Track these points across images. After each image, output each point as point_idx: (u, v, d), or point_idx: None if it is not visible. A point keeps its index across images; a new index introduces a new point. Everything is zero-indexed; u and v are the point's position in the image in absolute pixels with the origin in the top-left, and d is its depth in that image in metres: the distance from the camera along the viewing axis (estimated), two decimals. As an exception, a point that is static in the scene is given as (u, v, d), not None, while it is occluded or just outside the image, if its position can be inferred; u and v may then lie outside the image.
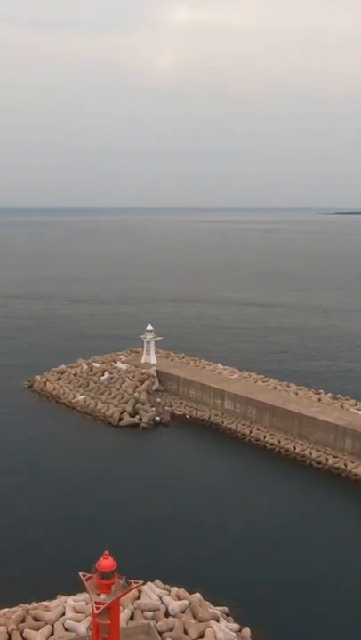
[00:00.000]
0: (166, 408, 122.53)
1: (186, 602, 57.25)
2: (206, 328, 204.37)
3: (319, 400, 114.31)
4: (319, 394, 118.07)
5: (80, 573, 48.52)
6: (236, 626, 58.04)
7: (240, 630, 57.53)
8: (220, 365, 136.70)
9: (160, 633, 52.48)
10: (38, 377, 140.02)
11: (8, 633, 52.15)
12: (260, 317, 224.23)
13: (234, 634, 55.68)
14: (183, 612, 56.05)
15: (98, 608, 45.27)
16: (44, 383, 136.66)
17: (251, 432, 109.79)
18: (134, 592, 57.76)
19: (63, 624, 53.50)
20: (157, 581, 61.10)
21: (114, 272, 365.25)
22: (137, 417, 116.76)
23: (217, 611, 59.08)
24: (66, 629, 52.95)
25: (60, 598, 58.24)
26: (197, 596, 59.23)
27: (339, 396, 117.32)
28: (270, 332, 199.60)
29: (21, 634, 52.27)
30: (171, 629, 53.11)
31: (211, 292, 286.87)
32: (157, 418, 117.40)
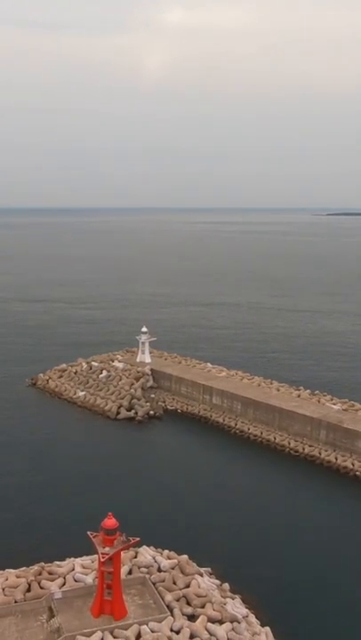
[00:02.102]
0: (160, 403, 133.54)
1: (175, 561, 68.30)
2: (198, 329, 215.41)
3: (299, 396, 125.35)
4: (299, 390, 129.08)
5: (88, 532, 59.88)
6: (217, 582, 69.30)
7: (221, 585, 68.78)
8: (209, 364, 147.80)
9: (153, 583, 63.63)
10: (41, 375, 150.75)
11: (28, 583, 63.22)
12: (249, 319, 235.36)
13: (215, 586, 66.99)
14: (173, 569, 67.16)
15: (103, 558, 56.66)
16: (47, 381, 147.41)
17: (236, 424, 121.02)
18: (132, 553, 69.05)
19: (73, 577, 64.62)
20: (152, 546, 72.16)
21: (110, 275, 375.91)
22: (133, 411, 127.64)
23: (202, 570, 70.29)
24: (75, 580, 64.09)
25: (70, 559, 69.28)
26: (185, 557, 70.18)
27: (317, 392, 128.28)
28: (258, 333, 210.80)
29: (39, 584, 63.36)
30: (162, 581, 64.19)
31: (203, 294, 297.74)
32: (151, 412, 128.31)
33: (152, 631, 56.41)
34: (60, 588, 62.36)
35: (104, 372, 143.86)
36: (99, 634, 55.58)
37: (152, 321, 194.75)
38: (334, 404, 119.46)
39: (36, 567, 66.22)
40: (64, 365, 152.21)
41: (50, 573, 65.44)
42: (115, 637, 55.48)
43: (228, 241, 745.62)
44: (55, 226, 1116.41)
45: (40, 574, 65.06)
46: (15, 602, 60.63)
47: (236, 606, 63.94)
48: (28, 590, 62.54)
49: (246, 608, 65.42)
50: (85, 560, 68.37)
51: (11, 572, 65.68)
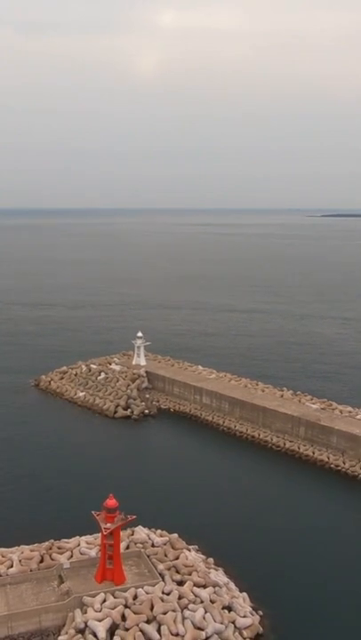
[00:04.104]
0: (154, 403, 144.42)
1: (166, 538, 79.27)
2: (190, 333, 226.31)
3: (282, 396, 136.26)
4: (282, 391, 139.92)
5: (92, 512, 70.76)
6: (203, 556, 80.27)
7: (206, 559, 79.74)
8: (200, 367, 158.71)
9: (148, 556, 74.55)
10: (43, 377, 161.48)
11: (41, 556, 74.16)
12: (238, 323, 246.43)
13: (201, 559, 78.00)
14: (165, 545, 78.06)
15: (105, 532, 67.59)
16: (49, 382, 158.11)
17: (224, 422, 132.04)
18: (129, 531, 79.90)
19: (79, 551, 75.53)
20: (146, 527, 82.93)
21: (107, 279, 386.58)
22: (129, 410, 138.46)
23: (190, 547, 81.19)
24: (81, 554, 74.97)
25: (76, 537, 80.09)
26: (175, 535, 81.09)
27: (298, 392, 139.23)
28: (247, 336, 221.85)
29: (50, 556, 74.31)
30: (155, 554, 75.14)
31: (195, 299, 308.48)
32: (146, 411, 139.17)
33: (147, 593, 67.35)
34: (68, 560, 73.22)
35: (102, 374, 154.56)
36: (102, 595, 66.54)
37: (146, 325, 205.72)
38: (313, 404, 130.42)
39: (47, 543, 77.28)
40: (65, 368, 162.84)
41: (59, 548, 76.51)
42: (115, 598, 66.39)
43: (221, 244, 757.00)
44: (55, 228, 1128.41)
45: (51, 549, 76.09)
46: (30, 571, 71.56)
47: (218, 575, 75.01)
48: (41, 562, 73.58)
49: (227, 578, 76.42)
50: (89, 538, 79.35)
51: (25, 548, 76.61)
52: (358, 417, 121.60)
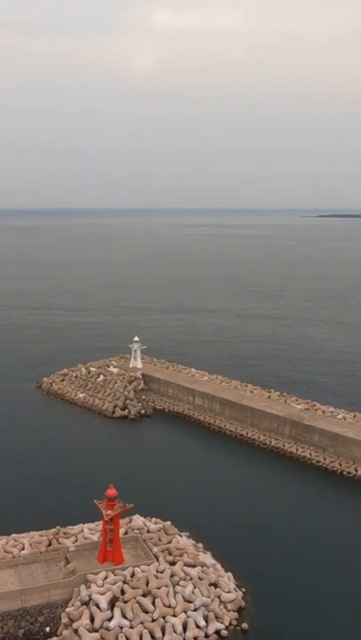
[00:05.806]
0: (150, 404, 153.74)
1: (160, 525, 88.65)
2: (184, 337, 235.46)
3: (269, 397, 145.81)
4: (270, 392, 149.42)
5: (94, 500, 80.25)
6: (193, 541, 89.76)
7: (196, 544, 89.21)
8: (193, 369, 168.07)
9: (144, 540, 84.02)
10: (45, 379, 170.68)
11: (49, 540, 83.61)
12: (230, 327, 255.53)
13: (191, 544, 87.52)
14: (159, 531, 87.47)
15: (107, 518, 77.07)
16: (51, 384, 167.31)
17: (215, 422, 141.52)
18: (127, 520, 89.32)
19: (83, 536, 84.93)
20: (142, 516, 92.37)
21: (104, 283, 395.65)
22: (126, 411, 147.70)
23: (181, 533, 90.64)
24: (84, 539, 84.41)
25: (79, 524, 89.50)
26: (168, 522, 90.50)
27: (285, 393, 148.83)
28: (238, 340, 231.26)
29: (57, 541, 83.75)
30: (150, 538, 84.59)
31: (190, 303, 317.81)
32: (143, 411, 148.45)
33: (143, 572, 76.82)
34: (73, 544, 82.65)
35: (101, 377, 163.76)
36: (103, 573, 75.99)
37: (143, 329, 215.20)
38: (298, 404, 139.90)
39: (54, 529, 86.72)
40: (65, 370, 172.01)
41: (65, 533, 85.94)
42: (115, 575, 75.87)
43: (218, 245, 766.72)
44: (55, 228, 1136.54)
45: (57, 534, 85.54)
46: (40, 553, 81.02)
47: (206, 557, 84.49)
48: (49, 545, 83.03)
49: (214, 560, 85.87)
50: (91, 525, 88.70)
51: (35, 533, 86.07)
52: (339, 417, 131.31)
